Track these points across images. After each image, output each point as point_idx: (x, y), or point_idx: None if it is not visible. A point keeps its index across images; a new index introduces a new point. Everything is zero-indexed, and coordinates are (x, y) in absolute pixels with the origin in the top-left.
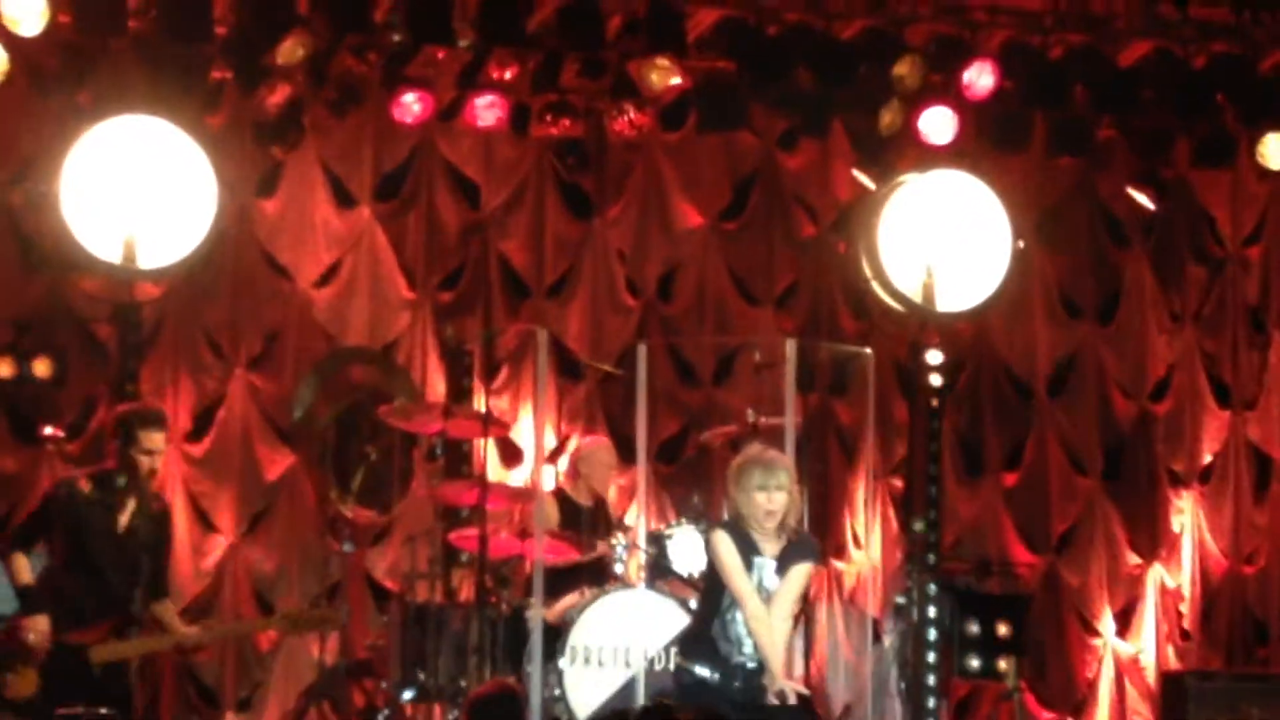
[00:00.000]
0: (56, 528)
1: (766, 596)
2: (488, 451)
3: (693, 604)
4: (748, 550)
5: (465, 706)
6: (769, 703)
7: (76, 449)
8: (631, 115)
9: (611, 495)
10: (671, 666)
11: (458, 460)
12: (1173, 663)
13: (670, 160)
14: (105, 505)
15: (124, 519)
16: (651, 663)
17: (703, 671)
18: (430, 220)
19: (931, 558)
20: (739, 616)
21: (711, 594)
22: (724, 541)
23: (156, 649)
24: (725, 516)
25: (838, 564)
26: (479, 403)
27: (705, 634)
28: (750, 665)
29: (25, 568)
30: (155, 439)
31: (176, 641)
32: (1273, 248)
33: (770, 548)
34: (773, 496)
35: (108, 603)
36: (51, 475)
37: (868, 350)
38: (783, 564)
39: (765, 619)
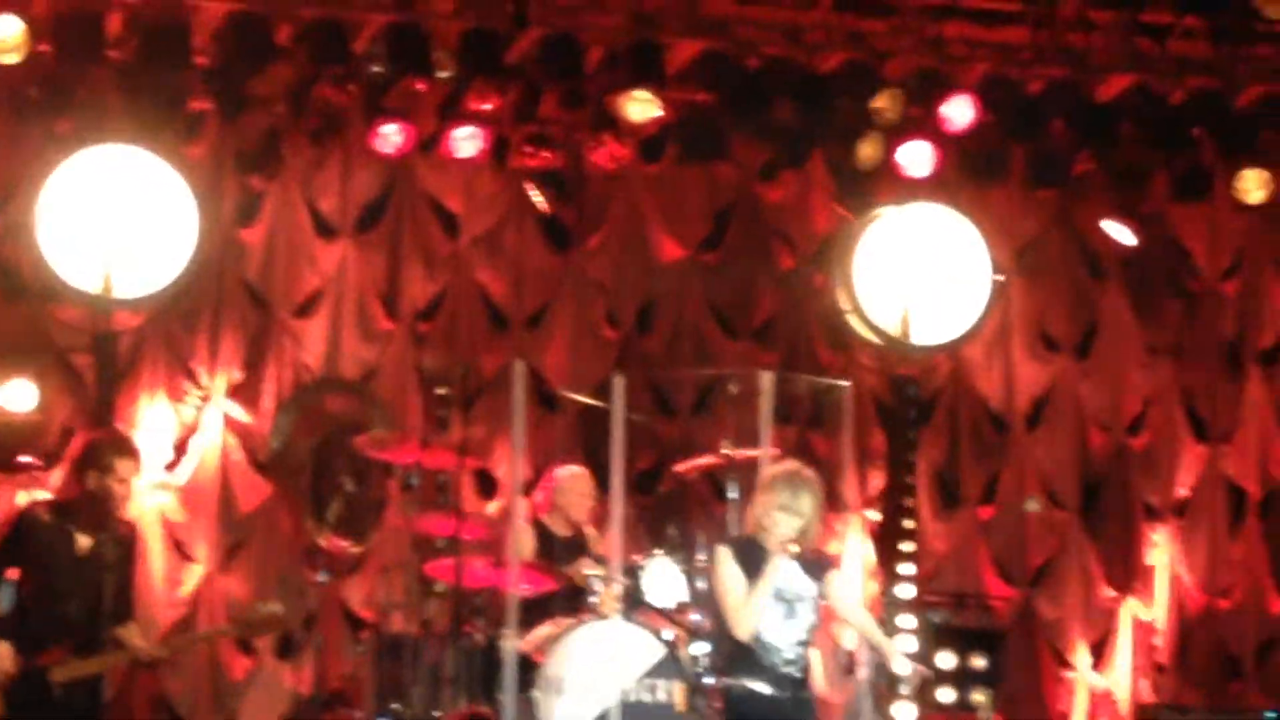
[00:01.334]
0: (21, 555)
1: (795, 596)
2: (463, 482)
3: (666, 635)
4: (758, 561)
5: None
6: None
7: (53, 478)
8: (611, 147)
9: (589, 526)
10: (664, 690)
11: (434, 491)
12: (1147, 696)
13: (650, 192)
14: (64, 531)
15: (84, 543)
16: (626, 694)
17: (753, 685)
18: (409, 251)
19: (907, 590)
20: (766, 625)
21: None
22: (725, 562)
23: (115, 665)
24: (746, 523)
25: None
26: (456, 434)
27: (742, 648)
28: (796, 675)
29: None
30: (128, 467)
31: (134, 656)
32: (1250, 281)
33: (786, 556)
34: (790, 521)
35: (68, 626)
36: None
37: (845, 382)
38: (814, 572)
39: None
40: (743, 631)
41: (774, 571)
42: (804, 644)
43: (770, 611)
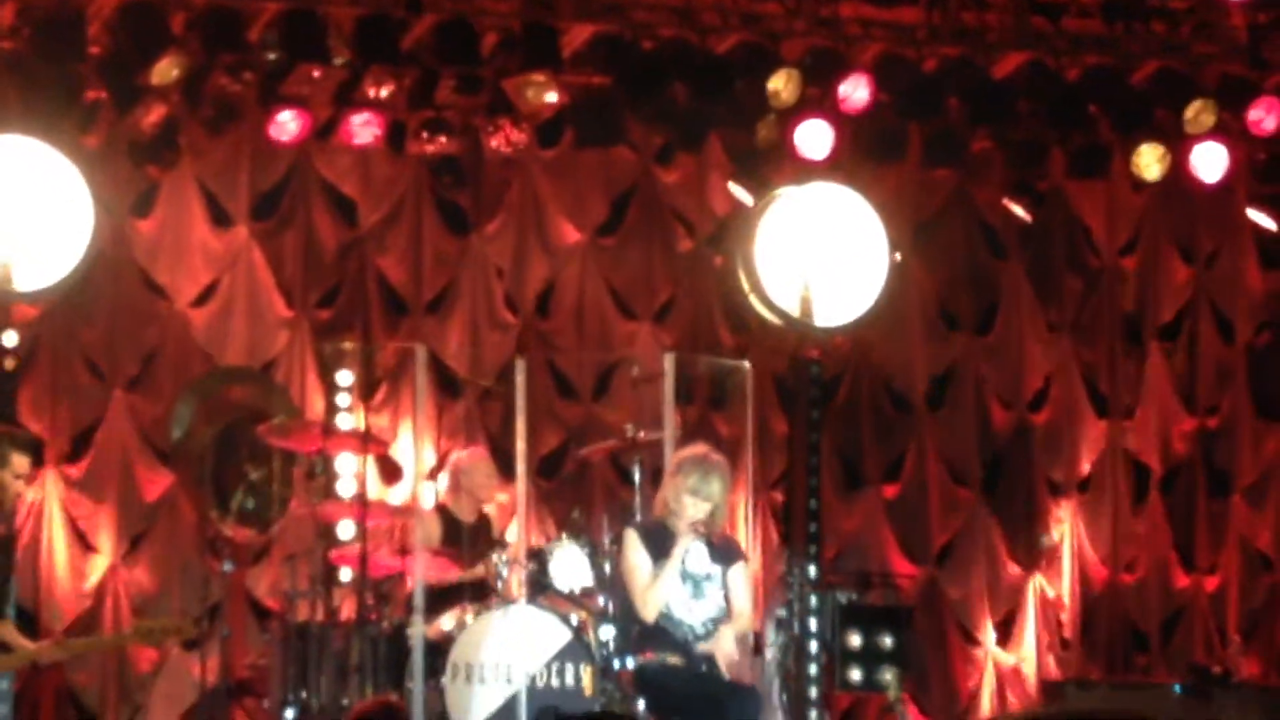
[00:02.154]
0: None
1: (702, 575)
2: (367, 469)
3: (574, 619)
4: (666, 543)
5: None
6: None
7: None
8: (508, 132)
9: (493, 510)
10: (571, 673)
11: (337, 478)
12: (1053, 671)
13: (547, 176)
14: None
15: None
16: (534, 679)
17: (666, 658)
18: (308, 238)
19: (813, 570)
20: (675, 603)
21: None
22: (632, 545)
23: (12, 667)
24: (655, 507)
25: None
26: (358, 420)
27: (653, 627)
28: (707, 652)
29: None
30: (24, 463)
31: (31, 657)
32: (1148, 257)
33: (694, 536)
34: (700, 504)
35: None
36: None
37: (746, 364)
38: (722, 556)
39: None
40: (649, 613)
41: (682, 553)
42: (717, 621)
43: (678, 590)
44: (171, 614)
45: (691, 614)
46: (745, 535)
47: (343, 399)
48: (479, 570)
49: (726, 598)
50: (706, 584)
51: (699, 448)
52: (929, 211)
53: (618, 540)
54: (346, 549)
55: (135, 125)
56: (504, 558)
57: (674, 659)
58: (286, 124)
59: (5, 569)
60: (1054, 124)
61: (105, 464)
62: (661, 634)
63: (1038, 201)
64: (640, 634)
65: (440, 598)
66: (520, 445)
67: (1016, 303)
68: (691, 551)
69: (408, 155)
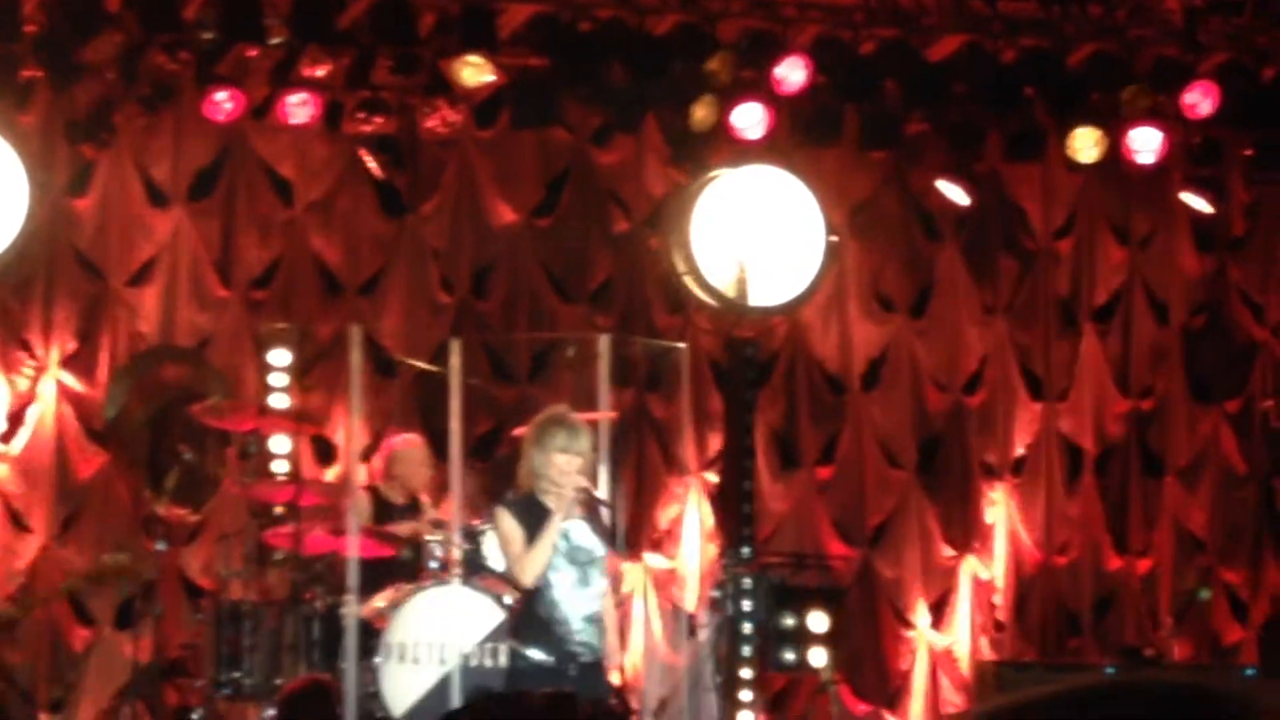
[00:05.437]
0: None
1: (588, 558)
2: (301, 449)
3: (508, 599)
4: (540, 517)
5: (278, 702)
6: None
7: None
8: (445, 112)
9: (425, 498)
10: (504, 653)
11: (271, 458)
12: (986, 653)
13: (483, 157)
14: None
15: None
16: (467, 658)
17: (538, 655)
18: (243, 218)
19: (746, 551)
20: (561, 591)
21: None
22: (505, 519)
23: None
24: (519, 482)
25: (652, 559)
26: (293, 401)
27: (535, 615)
28: (586, 659)
29: None
30: None
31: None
32: (1083, 240)
33: (571, 510)
34: (572, 460)
35: None
36: None
37: (682, 345)
38: (605, 539)
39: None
40: (528, 576)
41: (561, 523)
42: (593, 620)
43: (564, 575)
44: (107, 595)
45: (574, 607)
46: (680, 516)
47: (277, 379)
48: (404, 530)
49: (609, 582)
50: (591, 569)
51: (554, 409)
52: (865, 193)
53: (491, 517)
54: (279, 529)
55: (72, 104)
56: (439, 538)
57: (543, 654)
58: (222, 103)
59: None
60: (990, 106)
61: (39, 443)
62: (541, 626)
63: (974, 184)
64: (521, 623)
65: (374, 577)
66: (455, 426)
67: (952, 285)
68: (575, 529)
69: (344, 135)
